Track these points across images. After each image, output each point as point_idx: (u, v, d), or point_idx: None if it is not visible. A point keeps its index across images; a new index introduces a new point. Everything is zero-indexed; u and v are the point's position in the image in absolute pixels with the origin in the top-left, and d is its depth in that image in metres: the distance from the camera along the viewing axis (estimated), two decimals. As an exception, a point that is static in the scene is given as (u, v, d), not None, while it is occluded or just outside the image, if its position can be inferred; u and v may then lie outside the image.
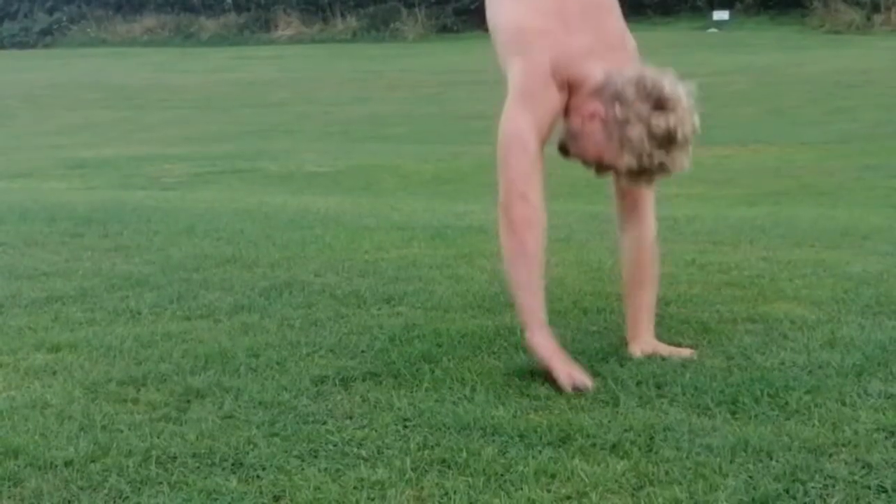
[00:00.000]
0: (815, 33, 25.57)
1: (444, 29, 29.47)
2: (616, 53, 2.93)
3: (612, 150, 2.77)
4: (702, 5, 27.96)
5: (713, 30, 26.99)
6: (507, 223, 2.82)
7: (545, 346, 2.80)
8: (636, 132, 2.71)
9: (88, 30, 32.08)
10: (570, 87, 2.85)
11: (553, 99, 2.83)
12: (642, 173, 2.77)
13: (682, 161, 2.75)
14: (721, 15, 27.44)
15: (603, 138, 2.78)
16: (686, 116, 2.71)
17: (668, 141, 2.70)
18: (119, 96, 20.32)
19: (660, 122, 2.69)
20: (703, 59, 21.58)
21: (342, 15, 30.04)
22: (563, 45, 2.85)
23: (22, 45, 31.54)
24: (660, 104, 2.70)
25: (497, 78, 2.99)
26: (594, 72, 2.83)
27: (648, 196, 3.07)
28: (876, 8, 25.67)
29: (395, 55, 25.23)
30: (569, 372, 2.73)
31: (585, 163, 2.89)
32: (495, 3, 3.06)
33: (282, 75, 22.68)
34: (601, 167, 2.86)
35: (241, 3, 30.99)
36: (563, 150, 2.91)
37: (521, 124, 2.81)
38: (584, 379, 2.73)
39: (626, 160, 2.75)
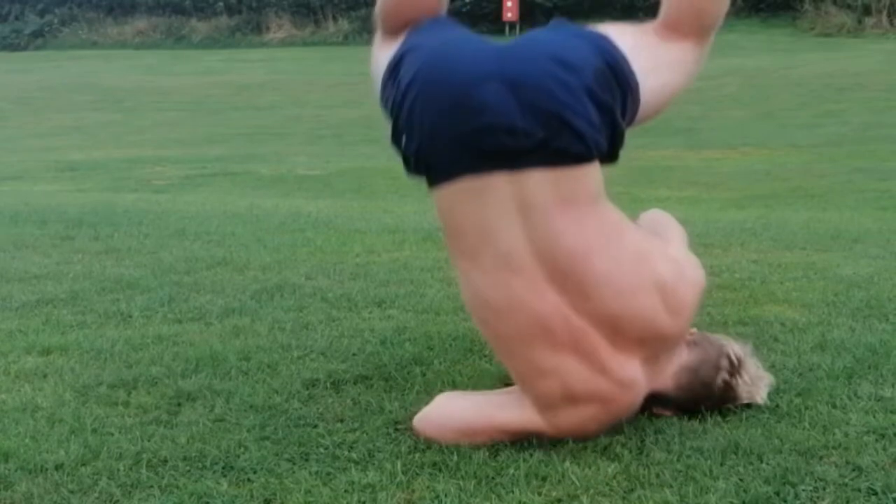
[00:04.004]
0: (805, 36, 25.59)
1: (435, 31, 29.43)
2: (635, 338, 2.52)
3: None
4: (693, 8, 27.98)
5: (704, 33, 27.02)
6: None
7: None
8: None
9: (80, 32, 32.02)
10: None
11: None
12: None
13: None
14: (712, 18, 27.49)
15: None
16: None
17: None
18: (110, 99, 20.28)
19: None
20: (694, 61, 21.61)
21: (334, 18, 30.01)
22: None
23: (13, 48, 31.47)
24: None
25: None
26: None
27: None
28: (867, 11, 25.70)
29: (386, 58, 25.17)
30: None
31: None
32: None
33: (273, 78, 22.64)
34: None
35: (233, 6, 30.94)
36: None
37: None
38: None
39: None
